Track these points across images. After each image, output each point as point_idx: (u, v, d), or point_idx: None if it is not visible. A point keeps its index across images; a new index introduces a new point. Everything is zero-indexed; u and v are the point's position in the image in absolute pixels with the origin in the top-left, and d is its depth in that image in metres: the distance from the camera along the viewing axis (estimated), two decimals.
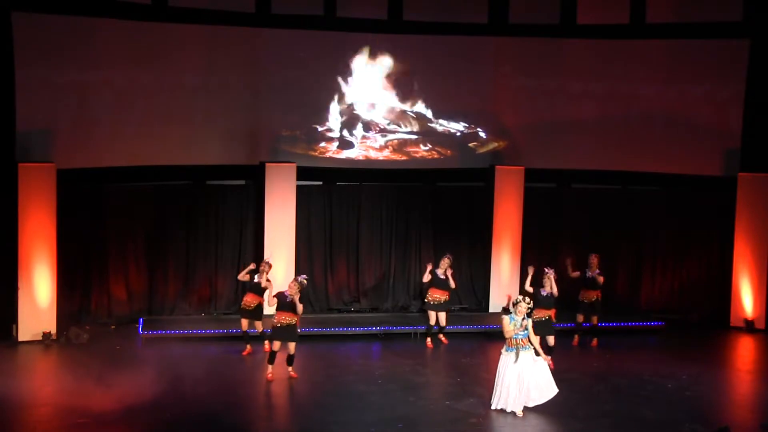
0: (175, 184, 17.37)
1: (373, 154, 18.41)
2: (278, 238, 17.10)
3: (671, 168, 18.51)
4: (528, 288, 14.99)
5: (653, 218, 18.76)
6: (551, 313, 14.92)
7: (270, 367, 13.87)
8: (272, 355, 13.88)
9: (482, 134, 18.74)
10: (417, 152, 18.57)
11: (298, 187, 17.33)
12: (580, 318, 16.43)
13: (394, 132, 18.46)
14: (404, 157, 18.55)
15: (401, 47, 18.14)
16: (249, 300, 15.21)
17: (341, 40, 17.89)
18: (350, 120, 18.18)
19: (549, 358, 12.83)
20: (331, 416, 12.33)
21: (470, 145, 18.73)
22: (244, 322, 15.28)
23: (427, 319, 16.20)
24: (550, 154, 18.69)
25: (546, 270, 15.03)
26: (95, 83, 16.44)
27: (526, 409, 12.48)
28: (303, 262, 17.63)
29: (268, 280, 14.95)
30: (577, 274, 16.41)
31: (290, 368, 13.94)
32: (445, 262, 16.04)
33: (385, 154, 18.47)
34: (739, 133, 18.15)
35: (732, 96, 18.12)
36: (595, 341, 16.38)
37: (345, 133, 18.18)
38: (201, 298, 17.48)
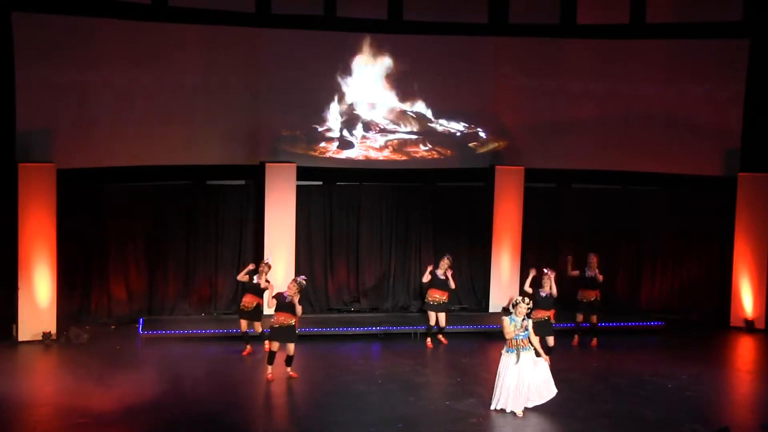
0: (175, 184, 17.37)
1: (373, 154, 18.41)
2: (278, 238, 17.10)
3: (671, 168, 18.51)
4: (527, 289, 15.00)
5: (653, 218, 18.76)
6: (550, 313, 14.93)
7: (270, 367, 13.87)
8: (271, 355, 13.88)
9: (482, 134, 18.74)
10: (417, 152, 18.57)
11: (298, 187, 17.33)
12: (580, 317, 16.44)
13: (394, 132, 18.46)
14: (404, 157, 18.55)
15: (401, 47, 18.14)
16: (248, 301, 15.20)
17: (341, 40, 17.89)
18: (350, 120, 18.18)
19: (548, 357, 12.83)
20: (331, 416, 12.33)
21: (470, 145, 18.73)
22: (243, 323, 15.28)
23: (427, 319, 16.20)
24: (550, 154, 18.69)
25: (545, 271, 15.03)
26: (95, 83, 16.44)
27: (526, 409, 12.49)
28: (303, 262, 17.63)
29: (267, 281, 14.95)
30: (576, 273, 16.43)
31: (289, 369, 13.93)
32: (444, 263, 16.04)
33: (385, 154, 18.46)
34: (739, 133, 18.15)
35: (732, 96, 18.12)
36: (594, 341, 16.39)
37: (345, 133, 18.18)
38: (201, 298, 17.48)
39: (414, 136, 18.52)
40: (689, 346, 16.67)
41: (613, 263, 18.30)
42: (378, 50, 18.05)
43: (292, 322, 13.76)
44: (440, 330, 16.23)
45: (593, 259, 16.34)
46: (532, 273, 15.20)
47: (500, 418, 12.42)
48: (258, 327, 15.25)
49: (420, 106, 18.42)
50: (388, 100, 18.30)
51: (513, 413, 12.44)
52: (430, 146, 18.60)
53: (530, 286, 15.05)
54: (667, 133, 18.52)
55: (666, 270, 18.81)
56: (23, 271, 15.48)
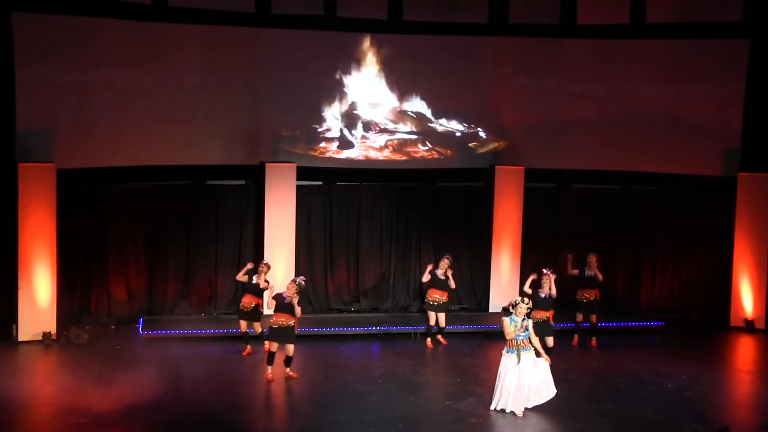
0: (175, 184, 17.37)
1: (373, 154, 18.41)
2: (278, 238, 17.10)
3: (671, 168, 18.51)
4: (527, 289, 14.99)
5: (653, 218, 18.76)
6: (550, 314, 14.92)
7: (269, 367, 13.86)
8: (271, 356, 13.87)
9: (482, 134, 18.74)
10: (417, 152, 18.57)
11: (298, 187, 17.33)
12: (579, 317, 16.45)
13: (394, 132, 18.46)
14: (404, 157, 18.55)
15: (401, 47, 18.13)
16: (247, 301, 15.20)
17: (341, 40, 17.89)
18: (350, 120, 18.18)
19: (549, 357, 12.82)
20: (331, 416, 12.33)
21: (470, 145, 18.73)
22: (243, 324, 15.28)
23: (427, 319, 16.20)
24: (550, 154, 18.69)
25: (545, 271, 15.03)
26: (95, 83, 16.44)
27: (526, 409, 12.48)
28: (303, 262, 17.64)
29: (266, 281, 14.94)
30: (576, 271, 16.44)
31: (288, 369, 13.92)
32: (444, 263, 16.03)
33: (385, 154, 18.46)
34: (739, 133, 18.15)
35: (732, 96, 18.12)
36: (594, 341, 16.39)
37: (345, 133, 18.18)
38: (201, 298, 17.48)
39: (414, 136, 18.53)
40: (689, 346, 16.67)
41: (613, 263, 18.30)
42: (378, 50, 18.05)
43: (291, 323, 13.75)
44: (440, 330, 16.23)
45: (593, 259, 16.35)
46: (532, 276, 15.17)
47: (500, 418, 12.42)
48: (257, 327, 15.25)
49: (420, 106, 18.42)
50: (388, 100, 18.29)
51: (513, 413, 12.44)
52: (430, 146, 18.60)
53: (530, 287, 15.04)
54: (667, 133, 18.52)
55: (666, 270, 18.81)
56: (23, 271, 15.48)
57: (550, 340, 14.79)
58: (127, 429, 11.75)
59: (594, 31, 18.53)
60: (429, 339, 16.18)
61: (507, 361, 12.52)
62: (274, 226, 17.12)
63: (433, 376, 14.70)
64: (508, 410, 12.48)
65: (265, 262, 15.29)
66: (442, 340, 16.24)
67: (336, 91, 17.99)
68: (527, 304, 12.62)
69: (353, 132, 18.22)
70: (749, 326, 17.66)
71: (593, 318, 16.43)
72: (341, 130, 18.15)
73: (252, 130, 17.69)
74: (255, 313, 15.21)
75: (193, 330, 16.12)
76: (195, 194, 17.45)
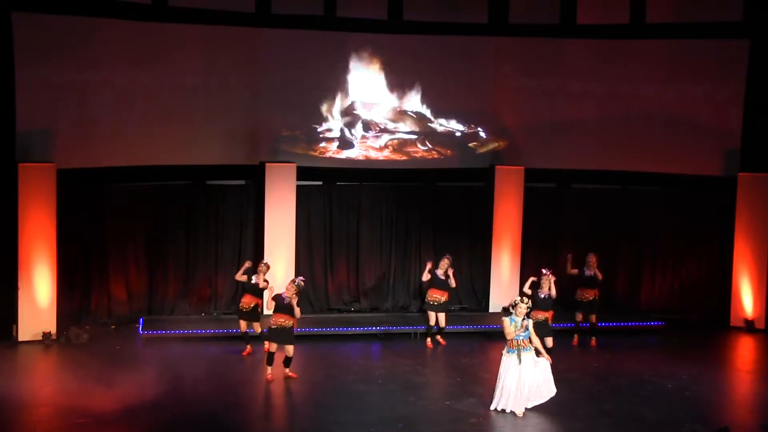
0: (175, 184, 17.37)
1: (373, 154, 18.41)
2: (278, 238, 17.10)
3: (671, 168, 18.51)
4: (527, 290, 14.97)
5: (653, 218, 18.76)
6: (549, 315, 14.91)
7: (269, 368, 13.85)
8: (270, 356, 13.86)
9: (482, 134, 18.74)
10: (417, 152, 18.57)
11: (298, 187, 17.33)
12: (579, 317, 16.45)
13: (394, 132, 18.46)
14: (404, 157, 18.55)
15: (401, 47, 18.13)
16: (246, 301, 15.20)
17: (341, 40, 17.89)
18: (350, 120, 18.18)
19: (549, 357, 12.82)
20: (331, 416, 12.33)
21: (470, 145, 18.73)
22: (243, 324, 15.28)
23: (427, 319, 16.19)
24: (550, 154, 18.69)
25: (544, 271, 15.02)
26: (95, 83, 16.44)
27: (526, 409, 12.48)
28: (303, 262, 17.64)
29: (266, 281, 14.92)
30: (575, 271, 16.44)
31: (287, 369, 13.92)
32: (444, 263, 16.03)
33: (385, 154, 18.46)
34: (739, 133, 18.15)
35: (732, 96, 18.12)
36: (594, 340, 16.39)
37: (345, 133, 18.18)
38: (201, 298, 17.48)
39: (414, 136, 18.52)
40: (689, 346, 16.67)
41: (613, 263, 18.30)
42: (378, 50, 18.05)
43: (290, 323, 13.74)
44: (440, 330, 16.22)
45: (592, 259, 16.34)
46: (532, 278, 15.16)
47: (500, 418, 12.42)
48: (257, 327, 15.24)
49: (420, 106, 18.42)
50: (388, 100, 18.30)
51: (513, 413, 12.44)
52: (430, 146, 18.60)
53: (529, 287, 15.03)
54: (667, 133, 18.52)
55: (666, 270, 18.81)
56: (23, 271, 15.48)
57: (549, 341, 14.77)
58: (127, 429, 11.75)
59: (594, 31, 18.53)
60: (429, 339, 16.17)
61: (507, 361, 12.52)
62: (274, 226, 17.12)
63: (433, 376, 14.70)
64: (508, 410, 12.48)
65: (264, 261, 15.29)
66: (441, 340, 16.23)
67: (336, 91, 17.99)
68: (527, 303, 12.62)
69: (353, 132, 18.22)
70: (749, 326, 17.66)
71: (593, 318, 16.43)
72: (341, 130, 18.15)
73: (252, 130, 17.68)
74: (254, 313, 15.21)
75: (193, 330, 16.12)
76: (195, 194, 17.45)
